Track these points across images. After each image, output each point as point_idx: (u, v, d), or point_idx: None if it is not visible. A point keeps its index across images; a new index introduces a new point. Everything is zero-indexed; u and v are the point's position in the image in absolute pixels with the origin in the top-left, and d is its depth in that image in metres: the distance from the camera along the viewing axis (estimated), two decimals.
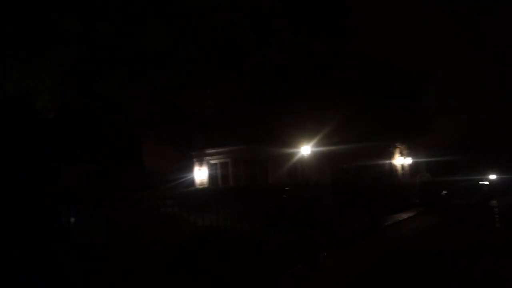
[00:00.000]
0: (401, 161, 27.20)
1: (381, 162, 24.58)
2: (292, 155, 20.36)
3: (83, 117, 21.60)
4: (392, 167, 26.15)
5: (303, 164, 20.49)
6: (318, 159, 19.89)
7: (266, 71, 17.31)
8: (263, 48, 17.18)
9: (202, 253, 8.97)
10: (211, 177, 22.58)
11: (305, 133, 18.24)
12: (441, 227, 15.11)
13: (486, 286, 6.77)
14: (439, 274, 7.64)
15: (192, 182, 23.13)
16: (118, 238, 10.11)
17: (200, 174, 22.81)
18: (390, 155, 25.88)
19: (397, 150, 26.49)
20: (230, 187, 20.70)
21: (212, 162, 22.61)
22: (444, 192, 22.67)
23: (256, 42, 16.84)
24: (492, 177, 32.62)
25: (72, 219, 11.27)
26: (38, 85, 8.41)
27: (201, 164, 22.91)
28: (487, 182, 27.40)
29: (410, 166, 28.99)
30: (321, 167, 20.22)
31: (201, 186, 22.39)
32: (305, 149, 18.87)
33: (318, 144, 18.66)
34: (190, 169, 23.65)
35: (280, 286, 7.68)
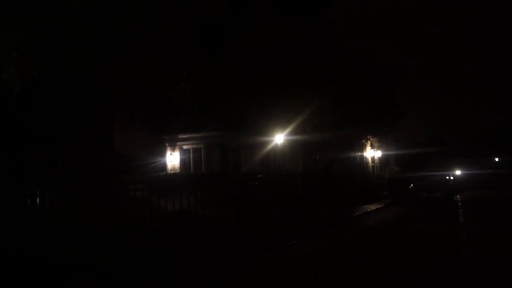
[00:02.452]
0: (371, 153, 27.76)
1: (353, 154, 25.01)
2: (266, 143, 20.39)
3: (53, 95, 20.95)
4: (363, 159, 26.67)
5: (277, 153, 20.57)
6: (291, 149, 20.01)
7: (243, 58, 17.20)
8: (241, 35, 17.05)
9: (173, 238, 8.91)
10: (183, 163, 22.41)
11: (280, 122, 18.28)
12: (407, 220, 15.50)
13: (442, 276, 7.00)
14: (401, 266, 7.84)
15: (164, 167, 22.90)
16: (87, 220, 9.92)
17: (172, 159, 22.60)
18: (362, 148, 26.37)
19: (368, 143, 27.00)
20: (202, 173, 20.57)
21: (185, 147, 22.43)
22: (411, 185, 23.28)
23: (234, 27, 16.67)
24: (457, 172, 33.70)
25: (38, 201, 10.95)
26: (4, 57, 8.05)
27: (173, 149, 22.68)
28: (452, 177, 28.30)
29: (380, 159, 29.64)
30: (293, 157, 20.38)
31: (172, 171, 22.19)
32: (279, 138, 18.93)
33: (292, 134, 18.74)
34: (162, 153, 23.39)
35: (249, 273, 7.70)
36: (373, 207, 19.14)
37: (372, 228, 13.68)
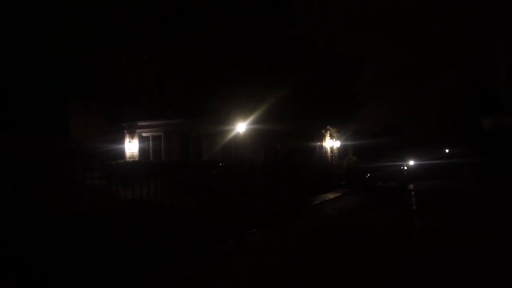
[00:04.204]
0: (331, 144, 28.36)
1: (313, 144, 25.44)
2: (227, 132, 20.33)
3: (4, 81, 19.84)
4: (322, 149, 27.20)
5: (238, 142, 20.57)
6: (253, 138, 20.06)
7: (207, 45, 16.94)
8: (205, 21, 16.77)
9: (132, 226, 8.75)
10: (143, 151, 21.97)
11: (242, 111, 18.25)
12: (363, 208, 16.01)
13: (392, 260, 7.32)
14: (356, 252, 8.13)
15: (122, 154, 22.34)
16: (42, 209, 9.56)
17: (131, 147, 22.09)
18: (321, 138, 26.86)
19: (328, 133, 27.55)
20: (162, 162, 20.27)
21: (144, 135, 21.97)
22: (368, 175, 24.02)
23: (199, 13, 16.39)
24: (411, 162, 35.07)
25: None
26: None
27: (132, 137, 22.17)
28: (406, 167, 29.47)
29: (339, 149, 30.35)
30: (255, 146, 20.45)
31: (131, 159, 21.70)
32: (241, 127, 18.92)
33: (254, 123, 18.78)
34: (121, 141, 22.79)
35: (209, 260, 7.71)
36: (331, 196, 19.60)
37: (331, 216, 14.04)
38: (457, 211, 14.09)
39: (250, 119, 18.28)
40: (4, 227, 8.09)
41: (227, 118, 20.04)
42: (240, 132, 19.39)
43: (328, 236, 10.02)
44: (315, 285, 6.03)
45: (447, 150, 50.02)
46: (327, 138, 27.72)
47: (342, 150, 31.33)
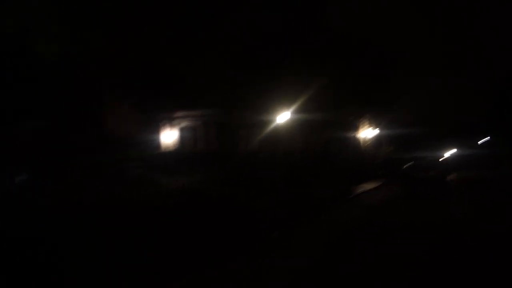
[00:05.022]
0: (366, 133, 27.91)
1: (349, 133, 25.12)
2: (265, 123, 20.27)
3: (42, 75, 20.44)
4: (358, 139, 26.83)
5: (276, 133, 20.52)
6: (290, 128, 19.93)
7: (246, 35, 16.92)
8: (242, 10, 16.75)
9: (182, 215, 8.90)
10: (180, 141, 22.21)
11: (279, 102, 18.13)
12: (404, 198, 15.78)
13: (441, 250, 7.18)
14: (404, 241, 8.03)
15: (162, 145, 22.68)
16: (89, 200, 9.84)
17: (169, 137, 22.38)
18: (357, 127, 26.48)
19: (364, 123, 27.12)
20: (200, 152, 20.48)
21: (182, 125, 22.20)
22: (406, 165, 23.55)
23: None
24: (449, 152, 34.19)
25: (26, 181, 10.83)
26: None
27: (171, 127, 22.45)
28: (445, 158, 28.76)
29: (375, 139, 29.82)
30: (293, 136, 20.34)
31: (169, 150, 22.01)
32: (278, 118, 18.80)
33: (291, 113, 18.65)
34: (157, 132, 23.12)
35: (263, 249, 7.75)
36: (370, 186, 19.34)
37: (374, 206, 13.86)
38: (498, 200, 13.76)
39: (288, 109, 18.13)
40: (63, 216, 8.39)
41: (265, 108, 19.99)
42: (278, 123, 19.30)
43: (374, 225, 9.94)
44: (374, 270, 5.98)
45: (484, 140, 48.51)
46: (363, 128, 27.28)
47: (377, 140, 30.77)
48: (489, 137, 45.26)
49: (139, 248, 6.95)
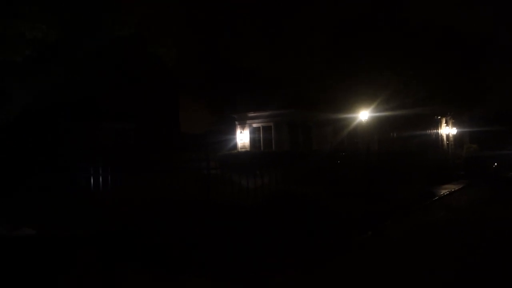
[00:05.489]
0: (447, 131, 26.37)
1: (428, 131, 23.84)
2: (338, 121, 19.87)
3: (119, 77, 21.55)
4: (438, 137, 25.39)
5: (354, 131, 20.01)
6: (366, 126, 19.33)
7: (318, 30, 16.58)
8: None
9: (267, 215, 8.87)
10: (253, 141, 22.38)
11: (359, 99, 17.60)
12: (494, 201, 14.56)
13: None
14: (498, 247, 7.43)
15: (233, 145, 23.03)
16: (168, 195, 10.09)
17: (242, 137, 22.65)
18: (437, 125, 25.07)
19: (444, 120, 25.61)
20: (274, 151, 20.48)
21: (255, 125, 22.35)
22: (495, 164, 21.80)
23: None
24: None
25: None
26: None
27: (243, 128, 22.70)
28: None
29: (455, 136, 28.08)
30: (368, 134, 19.69)
31: (243, 150, 22.27)
32: (358, 116, 18.26)
33: (367, 111, 18.04)
34: (231, 132, 23.51)
35: (354, 251, 7.48)
36: (453, 187, 18.14)
37: (461, 209, 12.95)
38: None
39: (368, 107, 17.58)
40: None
41: (338, 107, 19.57)
42: (357, 121, 18.78)
43: (464, 229, 9.28)
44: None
45: None
46: (443, 124, 25.77)
47: (459, 138, 28.92)
48: None
49: (228, 247, 7.00)
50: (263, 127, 22.03)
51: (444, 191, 16.57)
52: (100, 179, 10.23)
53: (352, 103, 17.76)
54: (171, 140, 25.74)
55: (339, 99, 18.17)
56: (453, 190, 17.29)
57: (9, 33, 6.44)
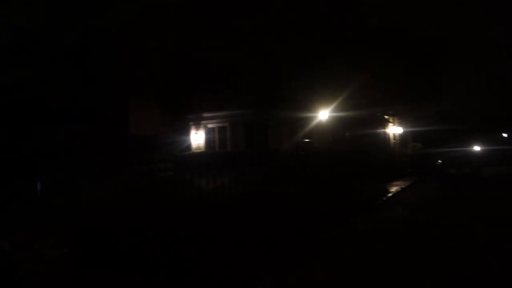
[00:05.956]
0: (393, 130, 27.42)
1: (377, 130, 24.68)
2: (293, 121, 20.03)
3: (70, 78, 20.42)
4: (385, 136, 26.35)
5: (305, 131, 20.25)
6: (320, 125, 19.67)
7: (277, 30, 16.64)
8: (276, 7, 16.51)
9: (244, 214, 8.73)
10: (208, 142, 22.09)
11: (308, 100, 17.85)
12: (445, 197, 15.37)
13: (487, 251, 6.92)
14: (454, 240, 7.86)
15: (188, 146, 22.58)
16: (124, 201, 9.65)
17: (197, 138, 22.27)
18: (384, 124, 26.00)
19: (391, 119, 26.64)
20: (229, 152, 20.32)
21: (210, 126, 22.06)
22: (439, 162, 23.05)
23: None
24: (476, 148, 33.40)
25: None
26: None
27: (198, 128, 22.32)
28: (474, 153, 28.02)
29: (401, 135, 29.31)
30: (324, 134, 20.04)
31: (198, 151, 21.89)
32: (313, 115, 18.54)
33: (321, 112, 18.36)
34: (185, 133, 23.03)
35: (327, 249, 7.51)
36: (405, 184, 18.94)
37: (416, 205, 13.51)
38: None
39: (321, 107, 17.88)
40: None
41: (294, 107, 19.75)
42: (309, 121, 19.04)
43: (424, 223, 9.78)
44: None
45: (505, 135, 47.45)
46: (390, 124, 26.79)
47: (403, 137, 30.25)
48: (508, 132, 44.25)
49: (201, 249, 6.76)
50: (218, 127, 21.79)
51: (396, 188, 17.24)
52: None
53: (310, 103, 18.00)
54: (121, 142, 24.75)
55: (296, 98, 18.35)
56: (404, 186, 18.05)
57: None
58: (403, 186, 18.08)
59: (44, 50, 13.88)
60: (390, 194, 15.81)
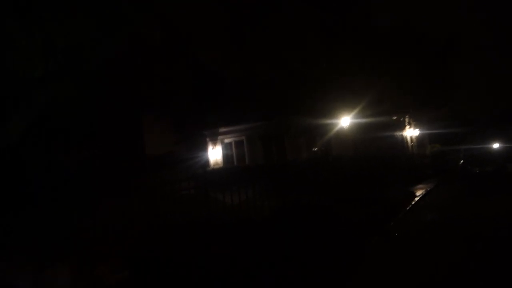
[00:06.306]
0: (410, 132, 27.11)
1: (394, 133, 24.42)
2: (311, 129, 19.87)
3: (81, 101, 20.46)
4: (404, 139, 26.05)
5: (322, 140, 20.08)
6: (340, 133, 19.48)
7: (290, 38, 16.55)
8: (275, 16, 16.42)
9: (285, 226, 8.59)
10: (226, 157, 21.98)
11: (331, 108, 17.70)
12: (467, 195, 15.13)
13: None
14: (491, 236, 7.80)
15: (206, 162, 22.48)
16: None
17: (215, 154, 22.17)
18: (402, 127, 25.72)
19: (408, 122, 26.36)
20: (251, 165, 20.14)
21: (227, 141, 21.96)
22: (462, 161, 22.69)
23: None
24: (496, 146, 32.95)
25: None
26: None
27: (215, 144, 22.24)
28: (495, 150, 27.65)
29: (417, 138, 28.97)
30: (344, 140, 19.83)
31: (216, 166, 21.77)
32: (332, 123, 18.36)
33: (347, 118, 18.15)
34: (203, 149, 22.96)
35: (371, 258, 7.29)
36: (429, 186, 18.58)
37: (448, 206, 13.21)
38: None
39: (341, 115, 17.70)
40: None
41: (310, 116, 19.60)
42: (327, 129, 18.86)
43: (462, 227, 9.45)
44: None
45: None
46: (407, 126, 26.51)
47: (420, 139, 29.90)
48: None
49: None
50: (235, 141, 21.70)
51: (422, 191, 16.89)
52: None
53: (327, 111, 17.87)
54: (138, 163, 24.70)
55: (312, 107, 18.22)
56: (429, 189, 17.69)
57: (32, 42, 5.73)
58: (428, 189, 17.70)
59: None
60: (418, 198, 15.49)
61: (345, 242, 7.97)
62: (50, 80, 7.34)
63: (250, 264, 6.55)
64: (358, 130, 19.87)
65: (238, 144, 21.57)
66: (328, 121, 18.12)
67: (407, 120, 26.13)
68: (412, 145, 27.75)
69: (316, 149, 20.24)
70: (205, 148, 22.72)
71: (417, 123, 28.50)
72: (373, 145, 21.61)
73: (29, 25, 6.06)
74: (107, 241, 6.02)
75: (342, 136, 19.58)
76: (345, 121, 17.49)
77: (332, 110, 17.72)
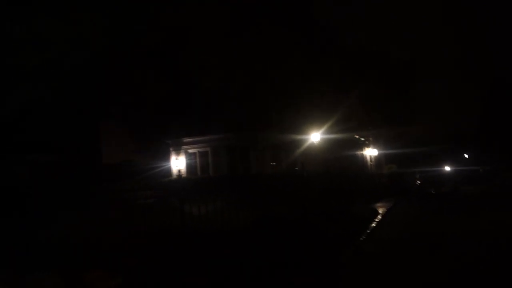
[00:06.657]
0: (370, 152, 27.88)
1: (357, 152, 24.98)
2: (277, 144, 19.90)
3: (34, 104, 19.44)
4: (364, 158, 26.72)
5: (288, 154, 20.16)
6: (305, 149, 19.62)
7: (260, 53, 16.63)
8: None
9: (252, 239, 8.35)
10: (189, 167, 21.51)
11: (298, 123, 17.83)
12: (430, 213, 15.66)
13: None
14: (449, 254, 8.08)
15: (168, 172, 21.89)
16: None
17: (178, 164, 21.64)
18: (362, 147, 26.39)
19: (369, 140, 27.10)
20: (216, 176, 19.79)
21: (191, 151, 21.53)
22: (418, 182, 23.49)
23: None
24: (448, 168, 34.47)
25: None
26: None
27: (178, 154, 21.73)
28: (448, 173, 28.90)
29: (376, 157, 29.82)
30: (307, 156, 19.96)
31: (178, 176, 21.20)
32: (299, 138, 18.48)
33: (311, 135, 18.33)
34: (165, 158, 22.38)
35: (343, 273, 7.23)
36: (389, 204, 19.03)
37: (410, 223, 13.54)
38: None
39: (307, 131, 17.84)
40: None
41: (277, 130, 19.66)
42: (294, 144, 18.95)
43: (424, 239, 10.00)
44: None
45: (466, 156, 49.26)
46: (366, 147, 27.24)
47: (378, 159, 30.79)
48: (474, 154, 45.95)
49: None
50: (199, 152, 21.31)
51: (383, 209, 17.26)
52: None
53: (298, 127, 17.98)
54: (92, 171, 23.69)
55: (279, 122, 18.29)
56: (390, 206, 18.12)
57: None
58: (389, 207, 18.12)
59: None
60: (380, 216, 15.76)
61: (320, 256, 7.88)
62: None
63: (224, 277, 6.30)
64: (325, 147, 20.14)
65: (203, 154, 21.20)
66: (298, 136, 18.25)
67: (369, 139, 26.89)
68: (371, 164, 28.52)
69: (281, 163, 20.26)
70: (167, 158, 22.16)
71: (376, 143, 29.38)
72: (339, 162, 21.95)
73: None
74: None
75: (310, 152, 19.73)
76: (314, 137, 17.73)
77: (302, 126, 17.88)
